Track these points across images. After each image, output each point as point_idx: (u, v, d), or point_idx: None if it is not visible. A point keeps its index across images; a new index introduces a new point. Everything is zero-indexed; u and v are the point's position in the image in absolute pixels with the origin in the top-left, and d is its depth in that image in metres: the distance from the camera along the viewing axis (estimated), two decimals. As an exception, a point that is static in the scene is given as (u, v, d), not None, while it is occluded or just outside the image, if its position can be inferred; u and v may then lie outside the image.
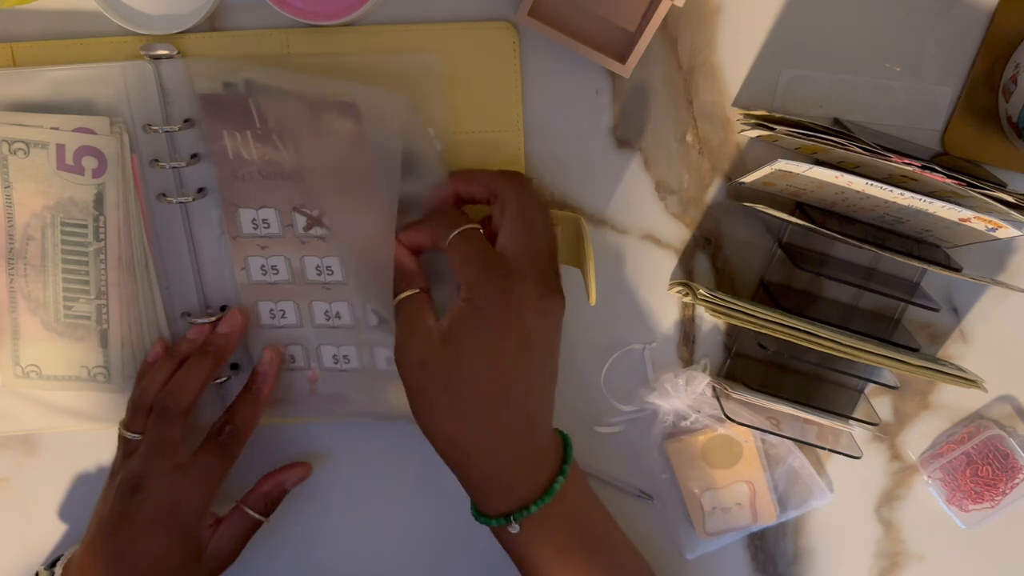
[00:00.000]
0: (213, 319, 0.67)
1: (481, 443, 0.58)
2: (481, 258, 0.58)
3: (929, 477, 0.71)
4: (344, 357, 0.67)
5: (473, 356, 0.56)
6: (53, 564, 0.64)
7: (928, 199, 0.58)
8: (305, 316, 0.66)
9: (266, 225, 0.64)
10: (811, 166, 0.58)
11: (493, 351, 0.57)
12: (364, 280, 0.64)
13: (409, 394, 0.59)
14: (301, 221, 0.63)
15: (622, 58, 0.62)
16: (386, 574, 0.73)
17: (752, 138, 0.66)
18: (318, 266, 0.64)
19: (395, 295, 0.61)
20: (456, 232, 0.59)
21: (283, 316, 0.66)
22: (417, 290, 0.60)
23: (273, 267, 0.65)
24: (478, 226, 0.60)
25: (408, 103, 0.62)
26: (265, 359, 0.66)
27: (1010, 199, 0.58)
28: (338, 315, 0.65)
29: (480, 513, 0.61)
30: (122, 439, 0.64)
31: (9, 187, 0.64)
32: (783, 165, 0.58)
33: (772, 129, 0.60)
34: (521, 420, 0.58)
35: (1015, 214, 0.58)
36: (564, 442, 0.62)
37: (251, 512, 0.67)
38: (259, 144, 0.61)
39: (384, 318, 0.65)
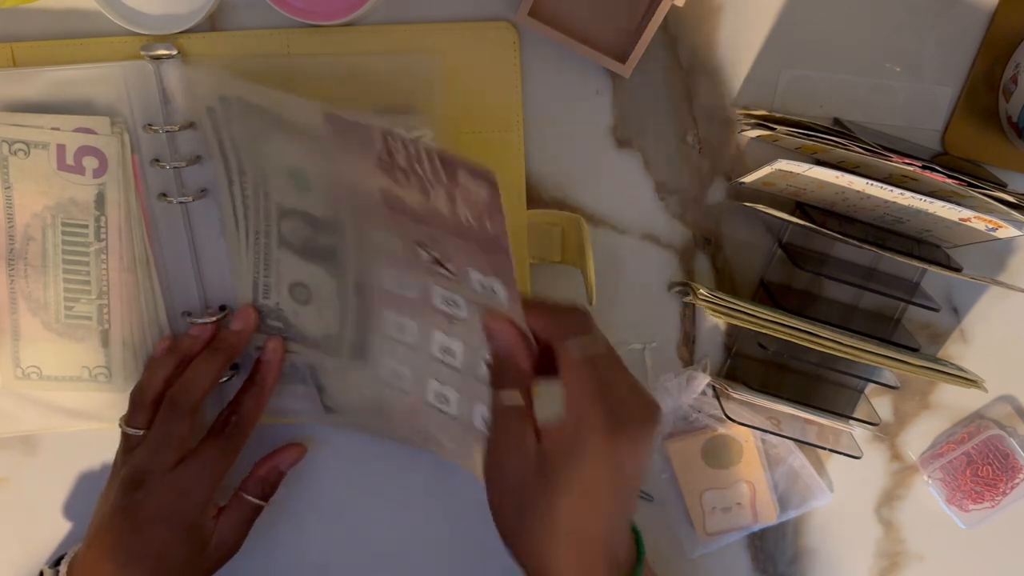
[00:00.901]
0: (214, 319, 0.67)
1: (562, 566, 0.53)
2: (612, 388, 0.52)
3: (929, 477, 0.71)
4: (444, 397, 0.63)
5: (570, 490, 0.52)
6: (57, 563, 0.64)
7: (928, 199, 0.58)
8: (424, 341, 0.61)
9: (391, 249, 0.59)
10: (811, 166, 0.58)
11: (591, 489, 0.52)
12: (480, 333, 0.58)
13: (494, 509, 0.55)
14: (425, 256, 0.57)
15: (622, 58, 0.62)
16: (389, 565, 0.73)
17: (752, 138, 0.66)
18: (445, 297, 0.59)
19: (497, 384, 0.55)
20: (593, 348, 0.53)
21: (403, 332, 0.62)
22: (523, 402, 0.54)
23: (407, 284, 0.60)
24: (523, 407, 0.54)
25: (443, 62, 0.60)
26: (269, 349, 0.66)
27: (1010, 199, 0.58)
28: (452, 353, 0.60)
29: None
30: (124, 434, 0.64)
31: (10, 187, 0.64)
32: (783, 165, 0.58)
33: (772, 129, 0.60)
34: (608, 545, 0.54)
35: (1015, 214, 0.58)
36: (636, 539, 0.57)
37: (251, 498, 0.66)
38: (383, 173, 0.55)
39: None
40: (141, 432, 0.63)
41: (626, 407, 0.52)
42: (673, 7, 0.60)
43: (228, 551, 0.65)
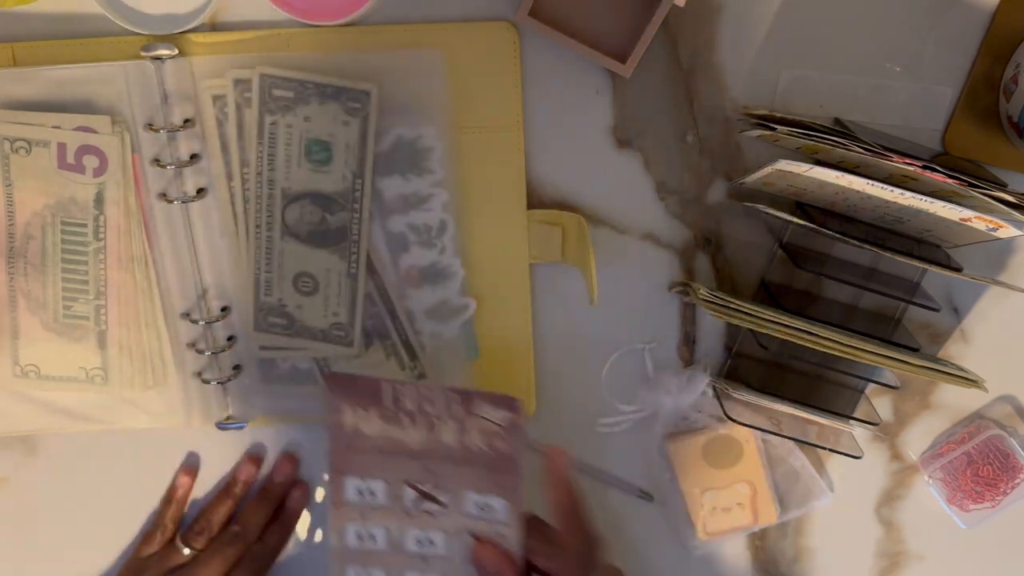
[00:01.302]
0: (215, 320, 0.67)
1: None
2: None
3: (929, 477, 0.71)
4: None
5: None
6: None
7: (929, 199, 0.58)
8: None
9: (372, 495, 0.61)
10: (812, 166, 0.58)
11: None
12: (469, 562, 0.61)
13: None
14: (411, 495, 0.61)
15: (622, 58, 0.62)
16: None
17: (752, 138, 0.66)
18: (419, 538, 0.61)
19: None
20: None
21: None
22: None
23: (371, 535, 0.62)
24: None
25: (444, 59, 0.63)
26: (296, 497, 0.72)
27: (1011, 199, 0.58)
28: None
29: None
30: (171, 544, 0.70)
31: (10, 186, 0.64)
32: (784, 165, 0.58)
33: (773, 129, 0.60)
34: None
35: (1016, 214, 0.58)
36: None
37: None
38: (384, 422, 0.59)
39: None
40: (191, 551, 0.69)
41: None
42: (673, 7, 0.60)
43: None
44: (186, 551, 0.69)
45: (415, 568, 0.62)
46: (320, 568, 0.73)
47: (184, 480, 0.72)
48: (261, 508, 0.71)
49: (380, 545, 0.61)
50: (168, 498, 0.72)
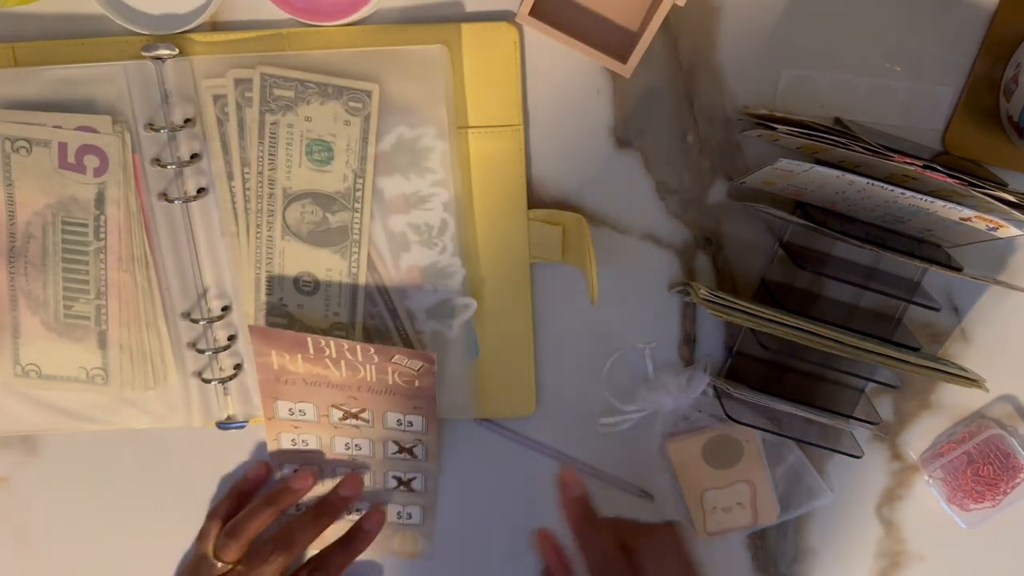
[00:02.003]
0: (216, 319, 0.67)
1: None
2: None
3: (930, 477, 0.71)
4: (357, 509, 0.72)
5: None
6: None
7: (929, 198, 0.58)
8: (327, 472, 0.71)
9: (302, 414, 0.69)
10: (812, 166, 0.58)
11: None
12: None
13: None
14: (338, 414, 0.69)
15: (623, 58, 0.62)
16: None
17: (752, 138, 0.66)
18: (347, 443, 0.70)
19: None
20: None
21: (304, 444, 0.71)
22: None
23: (303, 440, 0.70)
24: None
25: (446, 57, 0.63)
26: (373, 520, 0.70)
27: (1011, 198, 0.58)
28: (360, 447, 0.71)
29: None
30: (206, 557, 0.67)
31: (11, 185, 0.64)
32: (784, 165, 0.58)
33: (773, 129, 0.60)
34: None
35: (1016, 213, 0.58)
36: None
37: None
38: (308, 363, 0.66)
39: (403, 480, 0.71)
40: (229, 566, 0.66)
41: None
42: (675, 7, 0.60)
43: None
44: (219, 565, 0.66)
45: (345, 465, 0.71)
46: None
47: (257, 474, 0.70)
48: (313, 523, 0.68)
49: (312, 447, 0.70)
50: (230, 492, 0.70)
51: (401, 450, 0.70)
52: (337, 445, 0.70)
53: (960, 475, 0.70)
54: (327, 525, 0.69)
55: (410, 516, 0.72)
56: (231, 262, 0.67)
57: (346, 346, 0.64)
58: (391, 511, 0.72)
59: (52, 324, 0.67)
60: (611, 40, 0.63)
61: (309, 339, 0.65)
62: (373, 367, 0.66)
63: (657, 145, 0.67)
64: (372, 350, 0.65)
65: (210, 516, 0.69)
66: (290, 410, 0.69)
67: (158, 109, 0.64)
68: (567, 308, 0.69)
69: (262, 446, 0.72)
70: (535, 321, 0.69)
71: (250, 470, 0.71)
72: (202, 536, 0.68)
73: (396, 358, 0.65)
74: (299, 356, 0.66)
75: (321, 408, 0.69)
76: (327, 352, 0.65)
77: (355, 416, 0.69)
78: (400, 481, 0.71)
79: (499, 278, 0.68)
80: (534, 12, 0.61)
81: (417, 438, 0.70)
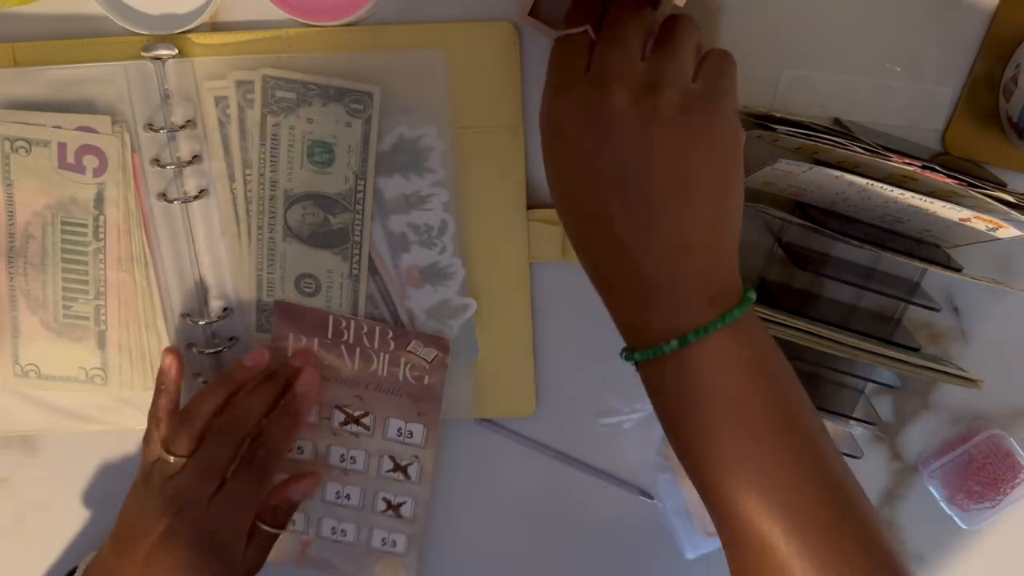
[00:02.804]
0: (216, 320, 0.67)
1: (652, 242, 0.49)
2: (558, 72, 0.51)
3: (929, 477, 0.71)
4: (342, 531, 0.71)
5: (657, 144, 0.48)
6: (71, 573, 0.64)
7: (928, 199, 0.58)
8: (317, 492, 0.70)
9: None
10: (811, 166, 0.58)
11: (682, 147, 0.48)
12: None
13: (554, 164, 0.51)
14: (339, 417, 0.68)
15: None
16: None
17: (752, 138, 0.66)
18: (343, 455, 0.69)
19: (566, 24, 0.52)
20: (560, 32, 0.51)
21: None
22: (585, 28, 0.51)
23: (299, 447, 0.70)
24: (584, 33, 0.52)
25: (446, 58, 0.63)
26: (305, 380, 0.65)
27: (1010, 199, 0.58)
28: (348, 496, 0.70)
29: (634, 348, 0.52)
30: (157, 459, 0.62)
31: (11, 185, 0.64)
32: (783, 165, 0.58)
33: (772, 129, 0.60)
34: (702, 228, 0.49)
35: (1015, 214, 0.58)
36: (745, 293, 0.52)
37: (265, 528, 0.66)
38: (324, 351, 0.66)
39: (392, 504, 0.70)
40: (183, 460, 0.61)
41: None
42: (674, 8, 0.60)
43: (249, 574, 0.66)
44: (171, 459, 0.60)
45: (336, 480, 0.70)
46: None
47: (169, 361, 0.64)
48: (259, 393, 0.63)
49: (306, 456, 0.69)
50: (158, 388, 0.65)
51: (396, 467, 0.69)
52: (332, 455, 0.69)
53: (960, 475, 0.70)
54: (273, 398, 0.64)
55: (394, 544, 0.71)
56: (231, 263, 0.67)
57: (365, 328, 0.65)
58: (376, 536, 0.71)
59: (51, 324, 0.67)
60: None
61: (331, 318, 0.65)
62: (387, 357, 0.65)
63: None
64: (390, 333, 0.65)
65: (151, 417, 0.64)
66: None
67: (158, 109, 0.64)
68: (567, 308, 0.69)
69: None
70: (535, 321, 0.69)
71: (163, 362, 0.65)
72: (147, 440, 0.64)
73: (412, 344, 0.65)
74: (316, 340, 0.66)
75: (324, 409, 0.68)
76: (345, 336, 0.65)
77: (356, 421, 0.69)
78: (389, 504, 0.70)
79: (499, 278, 0.68)
80: (533, 13, 0.61)
81: (414, 454, 0.69)
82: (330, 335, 0.65)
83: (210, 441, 0.61)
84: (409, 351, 0.65)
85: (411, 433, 0.69)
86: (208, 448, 0.61)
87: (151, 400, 0.65)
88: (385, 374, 0.66)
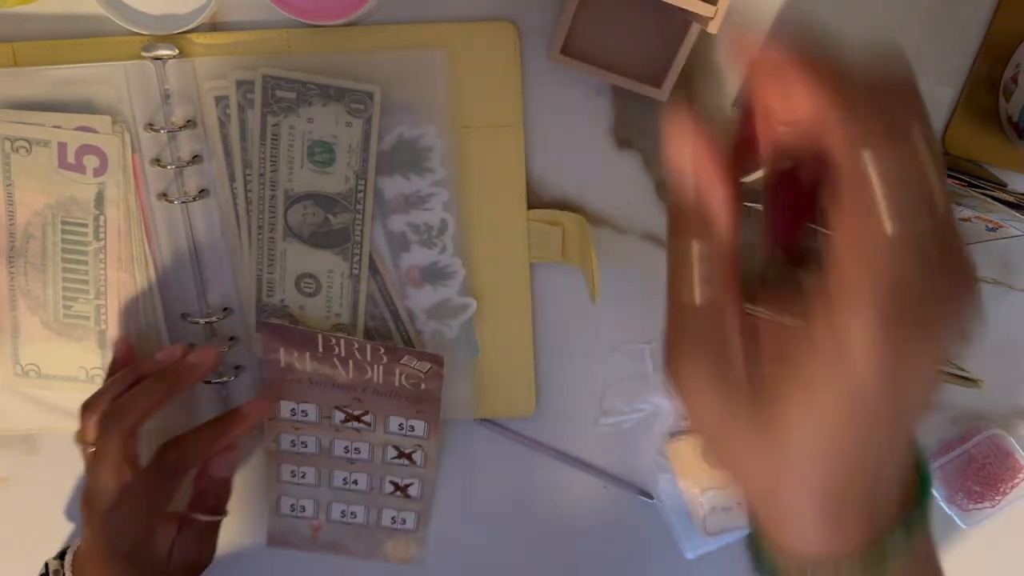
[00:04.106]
0: (214, 320, 0.67)
1: (797, 516, 0.35)
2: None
3: (929, 477, 0.71)
4: (352, 513, 0.72)
5: (804, 414, 0.33)
6: (62, 555, 0.65)
7: (928, 199, 0.58)
8: (324, 479, 0.71)
9: (304, 415, 0.69)
10: (812, 166, 0.58)
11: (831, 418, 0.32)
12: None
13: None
14: (340, 416, 0.69)
15: (656, 82, 0.62)
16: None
17: (752, 138, 0.66)
18: (347, 447, 0.70)
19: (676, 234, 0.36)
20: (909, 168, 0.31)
21: (303, 477, 0.71)
22: (721, 286, 0.36)
23: (303, 443, 0.70)
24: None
25: (446, 58, 0.63)
26: (253, 403, 0.65)
27: (1010, 199, 0.58)
28: (356, 482, 0.71)
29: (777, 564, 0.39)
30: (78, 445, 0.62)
31: (11, 185, 0.64)
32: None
33: (773, 129, 0.60)
34: (868, 483, 0.34)
35: (1015, 214, 0.58)
36: (921, 474, 0.37)
37: (200, 516, 0.65)
38: (316, 362, 0.66)
39: (400, 486, 0.71)
40: (92, 448, 0.60)
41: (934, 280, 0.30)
42: (702, 32, 0.60)
43: (193, 568, 0.65)
44: (81, 447, 0.60)
45: (342, 468, 0.71)
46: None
47: (119, 346, 0.64)
48: (154, 384, 0.60)
49: (311, 450, 0.70)
50: (109, 371, 0.64)
51: (400, 455, 0.70)
52: (336, 448, 0.70)
53: (960, 475, 0.70)
54: (170, 393, 0.61)
55: (404, 522, 0.72)
56: (232, 263, 0.67)
57: (356, 345, 0.65)
58: (385, 516, 0.72)
59: (52, 324, 0.67)
60: (642, 65, 0.63)
61: (320, 336, 0.65)
62: (381, 368, 0.66)
63: (657, 145, 0.67)
64: (382, 350, 0.65)
65: (81, 408, 0.63)
66: (292, 411, 0.69)
67: (158, 109, 0.64)
68: (567, 308, 0.69)
69: (263, 447, 0.72)
70: (535, 321, 0.69)
71: (116, 349, 0.65)
72: (81, 430, 0.62)
73: (405, 359, 0.65)
74: (307, 354, 0.66)
75: (324, 409, 0.69)
76: (336, 351, 0.65)
77: (357, 419, 0.69)
78: (397, 486, 0.71)
79: (499, 278, 0.68)
80: (565, 51, 0.61)
81: (417, 443, 0.70)
82: (321, 350, 0.65)
83: (99, 432, 0.59)
84: (403, 364, 0.65)
85: (412, 428, 0.69)
86: (97, 439, 0.59)
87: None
88: (381, 381, 0.67)
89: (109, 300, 0.66)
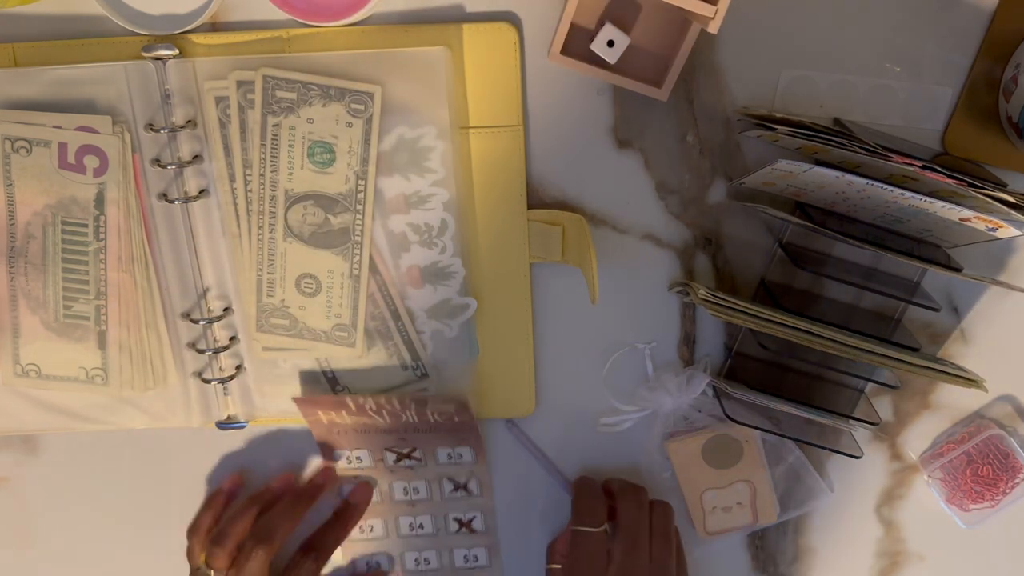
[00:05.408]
0: (216, 320, 0.67)
1: None
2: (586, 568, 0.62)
3: (929, 477, 0.71)
4: (425, 560, 0.74)
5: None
6: None
7: (929, 199, 0.58)
8: (391, 529, 0.73)
9: (359, 460, 0.71)
10: (812, 166, 0.58)
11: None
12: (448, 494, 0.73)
13: None
14: (392, 456, 0.71)
15: (656, 83, 0.62)
16: None
17: (752, 138, 0.66)
18: (405, 488, 0.72)
19: (576, 522, 0.64)
20: (578, 528, 0.63)
21: (371, 531, 0.73)
22: (601, 528, 0.64)
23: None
24: (602, 532, 0.63)
25: (447, 58, 0.63)
26: (359, 493, 0.71)
27: (1010, 199, 0.58)
28: (422, 526, 0.73)
29: None
30: (199, 569, 0.67)
31: (11, 185, 0.64)
32: (783, 166, 0.58)
33: (772, 129, 0.60)
34: None
35: (1015, 214, 0.58)
36: None
37: None
38: (354, 416, 0.69)
39: (464, 522, 0.72)
40: (224, 573, 0.66)
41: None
42: (704, 33, 0.60)
43: None
44: (212, 573, 0.66)
45: (406, 513, 0.72)
46: None
47: (230, 484, 0.71)
48: (292, 505, 0.68)
49: (374, 498, 0.72)
50: (208, 502, 0.70)
51: (457, 487, 0.71)
52: (396, 492, 0.72)
53: (960, 475, 0.70)
54: (304, 513, 0.68)
55: (476, 559, 0.73)
56: (232, 263, 0.67)
57: (382, 399, 0.67)
58: (457, 556, 0.73)
59: (52, 324, 0.67)
60: (642, 65, 0.63)
61: (348, 399, 0.67)
62: (413, 410, 0.68)
63: (657, 145, 0.67)
64: (408, 398, 0.67)
65: (191, 533, 0.69)
66: (347, 459, 0.71)
67: (158, 109, 0.64)
68: (567, 308, 0.69)
69: (263, 447, 0.72)
70: (535, 321, 0.69)
71: (225, 482, 0.71)
72: (189, 554, 0.68)
73: (431, 404, 0.67)
74: (343, 411, 0.68)
75: (376, 452, 0.71)
76: (367, 406, 0.67)
77: (408, 456, 0.71)
78: (461, 523, 0.72)
79: (499, 278, 0.68)
80: (565, 51, 0.61)
81: (469, 471, 0.71)
82: (353, 408, 0.68)
83: (245, 553, 0.65)
84: (432, 408, 0.68)
85: (460, 455, 0.71)
86: (241, 563, 0.65)
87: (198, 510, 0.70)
88: (417, 421, 0.68)
89: (109, 300, 0.66)
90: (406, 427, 0.69)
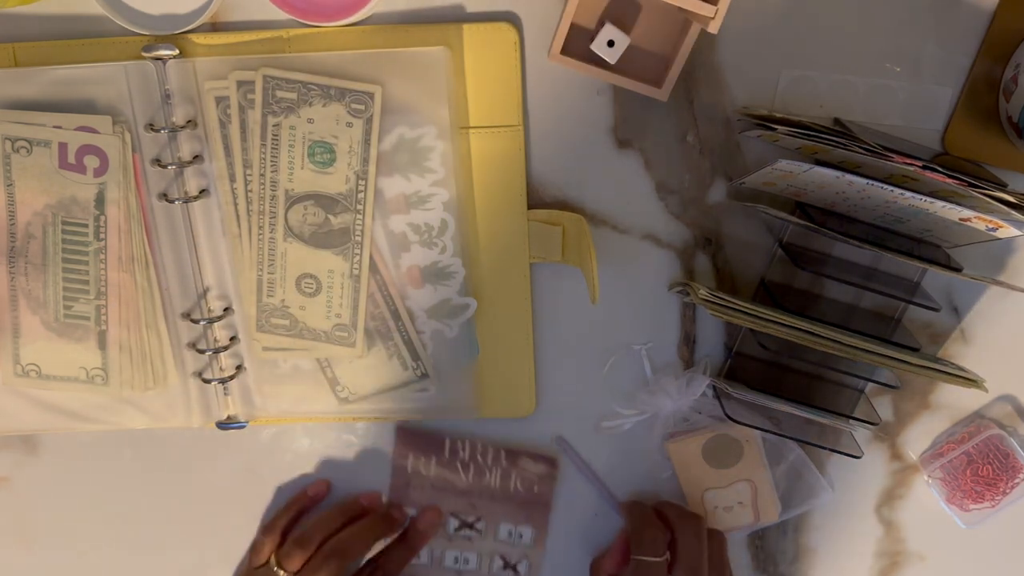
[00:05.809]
0: (216, 319, 0.67)
1: None
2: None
3: (929, 477, 0.71)
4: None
5: None
6: None
7: (929, 199, 0.58)
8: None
9: None
10: (812, 167, 0.58)
11: None
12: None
13: None
14: (454, 523, 0.72)
15: (656, 83, 0.62)
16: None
17: (752, 138, 0.66)
18: (456, 557, 0.73)
19: (638, 551, 0.64)
20: (640, 558, 0.64)
21: None
22: (664, 558, 0.64)
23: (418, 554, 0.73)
24: (664, 562, 0.64)
25: (447, 58, 0.63)
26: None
27: (1010, 199, 0.58)
28: None
29: None
30: (265, 566, 0.67)
31: (11, 185, 0.64)
32: (783, 166, 0.58)
33: (773, 129, 0.60)
34: None
35: (1015, 214, 0.58)
36: None
37: None
38: (440, 467, 0.71)
39: None
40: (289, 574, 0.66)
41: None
42: (703, 33, 0.60)
43: None
44: (281, 573, 0.66)
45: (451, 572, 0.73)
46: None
47: (316, 490, 0.71)
48: (372, 528, 0.69)
49: (423, 561, 0.72)
50: (291, 504, 0.70)
51: (507, 566, 0.72)
52: (447, 559, 0.72)
53: (960, 475, 0.70)
54: (383, 537, 0.70)
55: None
56: (232, 263, 0.67)
57: (480, 446, 0.69)
58: None
59: (52, 324, 0.67)
60: (642, 66, 0.63)
61: (447, 440, 0.70)
62: (499, 471, 0.70)
63: (657, 145, 0.67)
64: (503, 452, 0.70)
65: (266, 530, 0.69)
66: (410, 517, 0.72)
67: (158, 109, 0.64)
68: (567, 308, 0.69)
69: (264, 447, 0.72)
70: (535, 321, 0.69)
71: (311, 487, 0.71)
72: (256, 549, 0.69)
73: (523, 461, 0.70)
74: (433, 459, 0.70)
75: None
76: (460, 454, 0.70)
77: (471, 526, 0.72)
78: None
79: (499, 278, 0.68)
80: (565, 51, 0.61)
81: (524, 553, 0.72)
82: (447, 454, 0.70)
83: (318, 561, 0.66)
84: (520, 466, 0.69)
85: (521, 535, 0.72)
86: (315, 567, 0.65)
87: (280, 509, 0.71)
88: (497, 486, 0.70)
89: (109, 300, 0.66)
90: (482, 491, 0.70)
